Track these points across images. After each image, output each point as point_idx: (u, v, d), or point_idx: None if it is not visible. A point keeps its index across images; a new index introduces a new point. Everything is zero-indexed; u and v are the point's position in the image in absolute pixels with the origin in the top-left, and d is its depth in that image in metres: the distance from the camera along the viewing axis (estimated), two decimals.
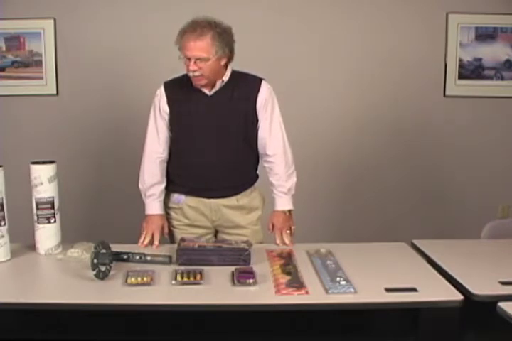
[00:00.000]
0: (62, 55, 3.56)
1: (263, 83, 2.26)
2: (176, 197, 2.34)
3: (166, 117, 2.28)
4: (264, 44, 3.54)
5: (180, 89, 2.26)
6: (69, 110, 3.61)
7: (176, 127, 2.28)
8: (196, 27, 2.09)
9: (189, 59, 2.10)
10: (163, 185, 2.33)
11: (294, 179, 2.33)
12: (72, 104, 3.61)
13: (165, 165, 2.33)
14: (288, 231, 2.27)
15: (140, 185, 2.35)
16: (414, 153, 3.75)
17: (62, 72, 3.57)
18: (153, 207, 2.31)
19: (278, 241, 2.24)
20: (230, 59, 2.20)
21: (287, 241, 2.23)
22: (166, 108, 2.27)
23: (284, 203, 2.31)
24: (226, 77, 2.22)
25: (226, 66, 2.21)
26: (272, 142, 2.28)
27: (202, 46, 2.08)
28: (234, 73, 2.25)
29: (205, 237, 2.30)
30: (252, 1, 3.56)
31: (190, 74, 2.14)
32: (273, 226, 2.29)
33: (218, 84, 2.22)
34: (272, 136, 2.28)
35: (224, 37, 2.12)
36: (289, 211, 2.32)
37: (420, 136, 3.74)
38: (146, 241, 2.22)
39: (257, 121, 2.27)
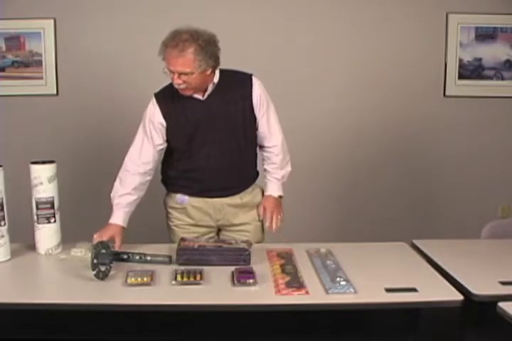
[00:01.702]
0: (62, 55, 3.56)
1: (254, 79, 2.25)
2: (179, 198, 2.33)
3: (163, 130, 2.24)
4: (263, 44, 3.54)
5: (173, 99, 2.21)
6: (69, 110, 3.61)
7: (175, 136, 2.25)
8: (178, 41, 2.02)
9: (173, 73, 2.07)
10: (132, 197, 2.25)
11: (288, 168, 2.38)
12: (72, 104, 3.61)
13: (141, 178, 2.25)
14: (278, 217, 2.29)
15: (112, 193, 2.29)
16: (414, 153, 3.75)
17: (62, 72, 3.57)
18: (116, 215, 2.25)
19: (268, 224, 2.25)
20: (215, 67, 2.15)
21: (275, 225, 2.25)
22: (162, 121, 2.22)
23: (275, 189, 2.36)
24: (216, 79, 2.19)
25: (213, 72, 2.16)
26: (271, 135, 2.31)
27: (184, 62, 2.03)
28: (222, 73, 2.21)
29: (205, 237, 2.30)
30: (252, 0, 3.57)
31: (176, 86, 2.11)
32: (264, 210, 2.30)
33: (210, 88, 2.18)
34: (272, 129, 2.30)
35: (207, 49, 2.06)
36: (280, 197, 2.35)
37: (420, 135, 3.74)
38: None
39: (255, 118, 2.27)
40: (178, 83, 2.08)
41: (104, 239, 2.07)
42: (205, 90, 2.19)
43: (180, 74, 2.06)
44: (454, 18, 3.62)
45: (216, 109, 2.20)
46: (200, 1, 3.40)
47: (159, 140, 2.25)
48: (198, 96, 2.19)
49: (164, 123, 2.22)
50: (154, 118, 2.22)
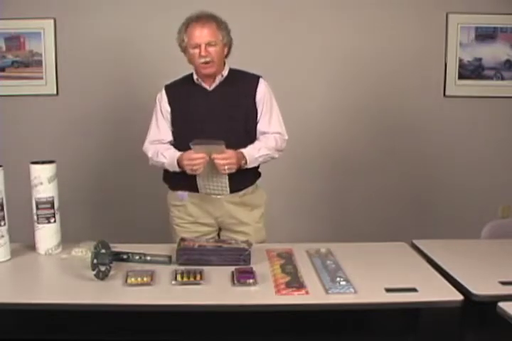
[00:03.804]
0: (62, 55, 3.56)
1: (261, 80, 2.33)
2: (180, 194, 2.35)
3: (169, 117, 2.33)
4: (259, 40, 3.54)
5: (180, 88, 2.32)
6: (69, 110, 3.62)
7: (178, 124, 2.31)
8: (200, 17, 2.21)
9: (198, 47, 2.17)
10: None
11: (272, 155, 2.29)
12: (72, 104, 3.61)
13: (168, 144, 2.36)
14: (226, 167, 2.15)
15: (162, 164, 2.31)
16: (414, 153, 3.75)
17: (62, 72, 3.57)
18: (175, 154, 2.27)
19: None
20: (228, 51, 2.29)
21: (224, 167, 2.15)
22: (167, 107, 2.32)
23: (250, 152, 2.23)
24: (225, 73, 2.29)
25: (227, 56, 2.29)
26: (270, 133, 2.32)
27: (210, 32, 2.18)
28: (232, 70, 2.32)
29: (205, 237, 2.30)
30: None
31: (202, 60, 2.19)
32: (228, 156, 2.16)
33: (218, 80, 2.28)
34: (271, 130, 2.32)
35: (225, 25, 2.25)
36: (245, 162, 2.23)
37: (420, 135, 3.74)
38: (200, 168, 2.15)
39: (257, 115, 2.31)
40: (205, 55, 2.18)
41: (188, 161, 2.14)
42: (213, 81, 2.27)
43: (206, 45, 2.17)
44: (454, 18, 3.62)
45: (220, 100, 2.27)
46: (200, 2, 3.41)
47: (167, 128, 2.34)
48: (206, 86, 2.28)
49: (169, 109, 2.32)
50: (161, 104, 2.34)
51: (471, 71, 3.68)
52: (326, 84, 3.67)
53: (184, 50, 2.27)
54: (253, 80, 2.32)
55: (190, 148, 2.19)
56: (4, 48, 3.56)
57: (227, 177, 2.17)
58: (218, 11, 2.30)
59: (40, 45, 3.55)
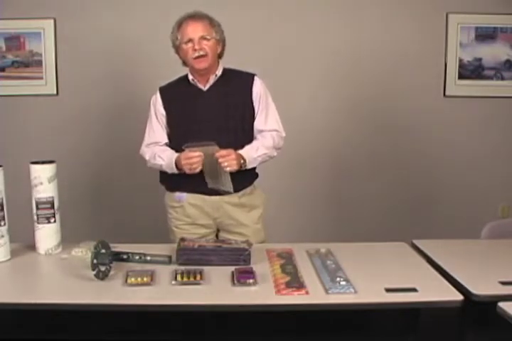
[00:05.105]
0: (62, 55, 3.56)
1: (256, 78, 2.33)
2: (178, 195, 2.34)
3: (164, 120, 2.32)
4: (257, 40, 3.55)
5: (175, 89, 2.32)
6: (69, 110, 3.62)
7: (175, 125, 2.31)
8: (193, 14, 2.23)
9: (191, 41, 2.18)
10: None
11: (271, 153, 2.29)
12: (72, 104, 3.61)
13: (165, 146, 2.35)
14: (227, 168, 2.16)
15: (161, 166, 2.30)
16: (414, 153, 3.75)
17: (62, 72, 3.57)
18: (173, 155, 2.26)
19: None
20: (222, 51, 2.30)
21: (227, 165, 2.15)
22: (162, 111, 2.32)
23: (246, 150, 2.23)
24: (219, 72, 2.29)
25: (219, 58, 2.29)
26: (266, 131, 2.32)
27: (203, 27, 2.20)
28: (226, 70, 2.32)
29: (205, 238, 2.30)
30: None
31: (195, 54, 2.19)
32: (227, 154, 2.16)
33: (212, 79, 2.28)
34: (268, 127, 2.32)
35: (218, 23, 2.26)
36: (243, 161, 2.22)
37: (420, 135, 3.74)
38: (198, 166, 2.15)
39: (254, 113, 2.31)
40: (199, 48, 2.19)
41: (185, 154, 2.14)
42: (208, 81, 2.27)
43: (199, 39, 2.18)
44: (454, 18, 3.62)
45: (216, 100, 2.27)
46: (199, 3, 3.41)
47: (163, 131, 2.33)
48: (201, 86, 2.28)
49: (164, 113, 2.31)
50: (156, 108, 2.32)
51: (471, 71, 3.69)
52: (325, 83, 3.67)
53: (178, 48, 2.26)
54: (248, 78, 2.32)
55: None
56: (4, 48, 3.57)
57: (228, 174, 2.18)
58: (217, 11, 2.31)
59: (40, 45, 3.55)
